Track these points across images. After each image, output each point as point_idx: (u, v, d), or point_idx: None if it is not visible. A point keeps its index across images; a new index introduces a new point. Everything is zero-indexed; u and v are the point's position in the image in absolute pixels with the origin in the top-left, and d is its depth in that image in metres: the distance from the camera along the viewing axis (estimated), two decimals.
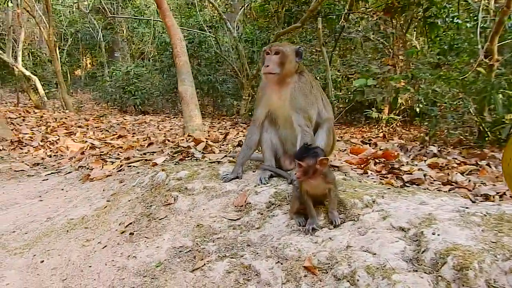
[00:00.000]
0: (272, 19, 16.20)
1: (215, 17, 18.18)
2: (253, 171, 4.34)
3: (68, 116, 14.13)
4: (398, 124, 10.99)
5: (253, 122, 4.32)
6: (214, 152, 5.54)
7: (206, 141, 5.87)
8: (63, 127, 10.98)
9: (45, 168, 6.64)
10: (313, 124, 4.04)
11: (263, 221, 3.41)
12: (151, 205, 3.98)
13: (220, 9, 15.39)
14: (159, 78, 18.57)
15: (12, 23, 19.32)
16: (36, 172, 6.35)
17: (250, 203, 3.65)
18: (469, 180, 4.41)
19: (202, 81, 16.60)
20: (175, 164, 4.83)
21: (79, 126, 11.57)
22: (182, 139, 7.06)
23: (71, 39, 25.59)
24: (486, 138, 8.05)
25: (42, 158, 7.28)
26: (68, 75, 25.72)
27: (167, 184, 4.24)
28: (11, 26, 18.88)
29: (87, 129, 11.27)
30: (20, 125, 10.93)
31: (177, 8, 21.60)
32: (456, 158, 5.70)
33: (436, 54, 10.90)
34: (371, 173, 4.35)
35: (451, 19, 12.01)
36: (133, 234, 3.58)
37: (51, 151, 7.92)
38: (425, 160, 5.37)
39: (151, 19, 20.66)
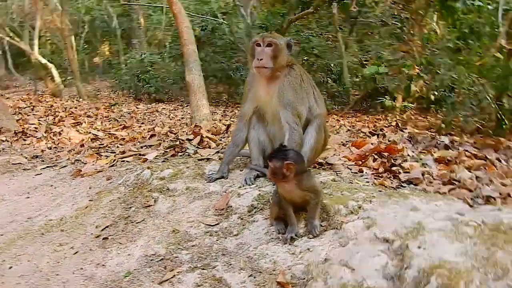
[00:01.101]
0: (286, 5, 15.80)
1: (229, 3, 17.85)
2: (241, 170, 4.13)
3: (79, 105, 14.05)
4: (412, 112, 10.62)
5: (240, 118, 4.09)
6: (209, 147, 5.32)
7: (202, 135, 5.63)
8: (71, 117, 10.86)
9: (43, 161, 6.49)
10: (303, 120, 3.80)
11: (242, 227, 3.20)
12: (130, 207, 3.79)
13: None
14: (173, 66, 18.37)
15: (30, 11, 19.29)
16: (33, 166, 6.19)
17: (231, 206, 3.44)
18: (476, 177, 4.08)
19: (216, 68, 16.35)
20: (162, 161, 4.62)
21: (88, 116, 11.45)
22: (184, 131, 6.85)
23: (88, 26, 25.51)
24: (504, 126, 7.71)
25: (42, 151, 7.12)
26: (86, 62, 25.73)
27: (150, 183, 4.04)
28: (28, 13, 18.84)
29: (96, 119, 11.13)
30: (28, 115, 10.84)
31: None
32: (467, 150, 5.32)
33: (456, 38, 10.46)
34: (366, 172, 4.06)
35: (471, 1, 11.49)
36: (107, 239, 3.40)
37: (52, 142, 7.76)
38: (433, 153, 5.02)
39: (163, 6, 20.38)
